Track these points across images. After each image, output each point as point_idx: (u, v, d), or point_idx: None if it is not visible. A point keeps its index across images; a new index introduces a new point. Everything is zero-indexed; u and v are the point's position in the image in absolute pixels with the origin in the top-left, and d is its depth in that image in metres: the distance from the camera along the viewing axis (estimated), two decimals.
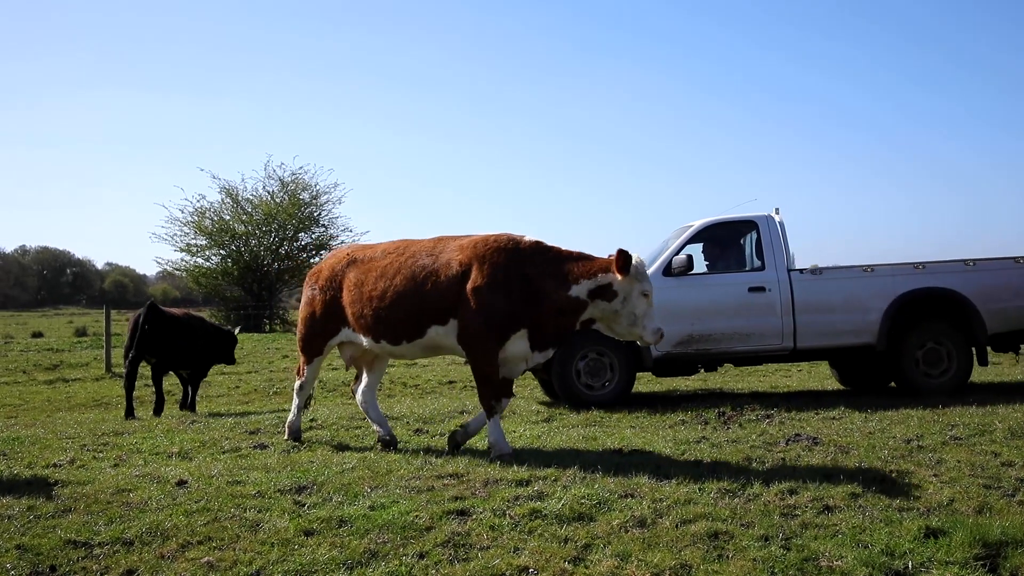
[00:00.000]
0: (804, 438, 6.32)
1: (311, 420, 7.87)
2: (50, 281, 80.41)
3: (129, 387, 9.72)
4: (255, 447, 6.61)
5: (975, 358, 8.94)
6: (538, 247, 6.05)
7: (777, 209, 9.26)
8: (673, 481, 5.11)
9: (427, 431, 7.24)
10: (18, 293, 74.55)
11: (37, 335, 27.07)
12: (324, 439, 6.97)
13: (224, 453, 6.43)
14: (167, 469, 5.71)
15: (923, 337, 8.79)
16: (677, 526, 4.33)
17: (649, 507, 4.59)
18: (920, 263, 8.93)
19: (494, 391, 6.04)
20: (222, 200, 27.20)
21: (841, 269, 9.03)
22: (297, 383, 6.86)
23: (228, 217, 27.05)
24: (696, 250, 9.28)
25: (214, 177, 34.91)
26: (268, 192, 27.54)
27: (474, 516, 4.48)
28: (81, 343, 22.20)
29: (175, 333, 9.78)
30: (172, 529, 4.27)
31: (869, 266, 8.98)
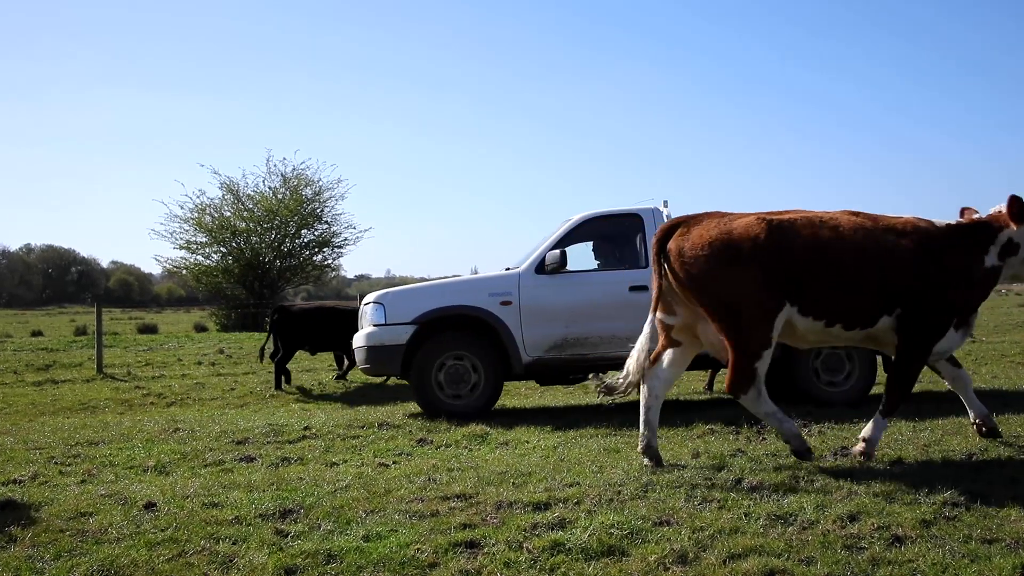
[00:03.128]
0: (853, 451, 5.64)
1: (304, 429, 7.22)
2: (55, 280, 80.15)
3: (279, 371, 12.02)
4: (241, 460, 5.98)
5: (884, 365, 8.19)
6: (954, 228, 5.62)
7: (666, 202, 8.52)
8: (713, 504, 4.45)
9: (431, 441, 6.59)
10: (23, 292, 74.28)
11: (36, 334, 26.52)
12: (318, 450, 6.33)
13: (205, 467, 5.81)
14: (137, 487, 5.07)
15: None
16: (725, 562, 3.67)
17: (689, 538, 3.93)
18: None
19: (909, 390, 5.60)
20: (223, 196, 26.60)
21: None
22: (750, 394, 5.31)
23: (229, 214, 26.43)
24: (587, 247, 8.66)
25: (214, 173, 34.27)
26: (270, 188, 26.92)
27: (485, 549, 3.83)
28: (77, 343, 21.60)
29: (311, 323, 11.92)
30: (128, 566, 3.62)
31: None
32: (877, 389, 8.83)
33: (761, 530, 4.05)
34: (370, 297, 8.29)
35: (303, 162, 34.75)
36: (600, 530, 3.97)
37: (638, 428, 6.91)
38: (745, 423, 6.83)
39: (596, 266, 8.62)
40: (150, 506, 4.53)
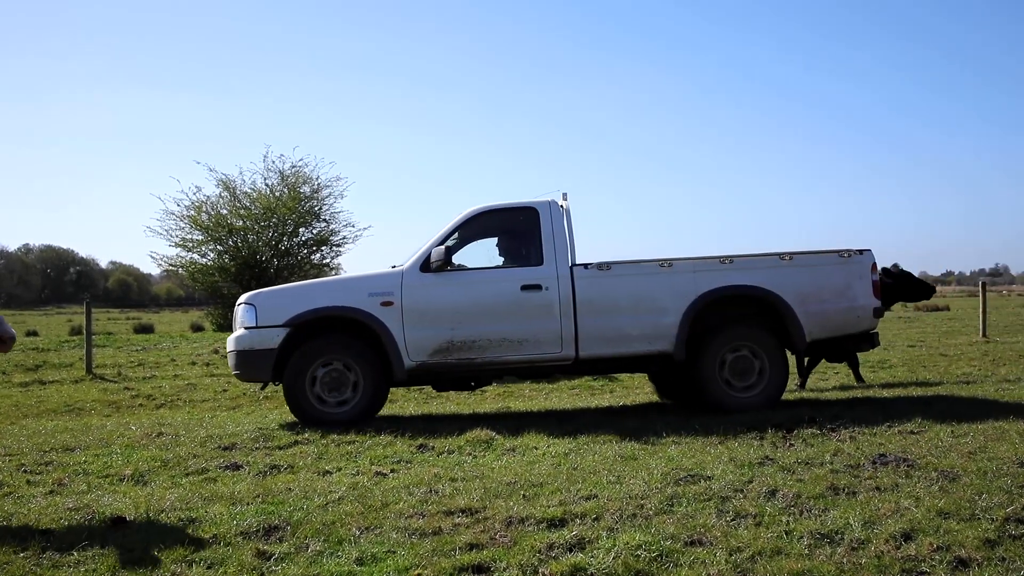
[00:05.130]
0: (892, 459, 5.17)
1: (296, 433, 6.74)
2: (54, 280, 79.87)
3: None
4: (226, 468, 5.51)
5: (798, 368, 8.05)
6: None
7: (565, 195, 7.96)
8: (749, 520, 3.99)
9: (433, 447, 6.11)
10: (22, 292, 73.94)
11: (31, 333, 26.05)
12: (310, 456, 5.86)
13: (187, 476, 5.34)
14: (109, 499, 4.61)
15: (729, 344, 7.52)
16: None
17: (726, 560, 3.47)
18: (727, 257, 7.61)
19: None
20: (219, 194, 26.05)
21: (632, 264, 7.63)
22: None
23: (225, 211, 25.90)
24: (491, 243, 8.14)
25: (211, 170, 33.70)
26: (267, 185, 26.38)
27: (496, 574, 3.36)
28: (70, 342, 21.11)
29: None
30: None
31: (666, 260, 7.58)
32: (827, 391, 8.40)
33: (806, 551, 3.59)
34: (243, 298, 7.68)
35: (301, 159, 34.16)
36: (625, 552, 3.51)
37: (655, 433, 6.48)
38: (769, 428, 6.36)
39: (500, 264, 8.00)
40: (120, 522, 4.07)
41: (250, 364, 7.31)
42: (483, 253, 8.16)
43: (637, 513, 4.10)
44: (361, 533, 3.87)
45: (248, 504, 4.40)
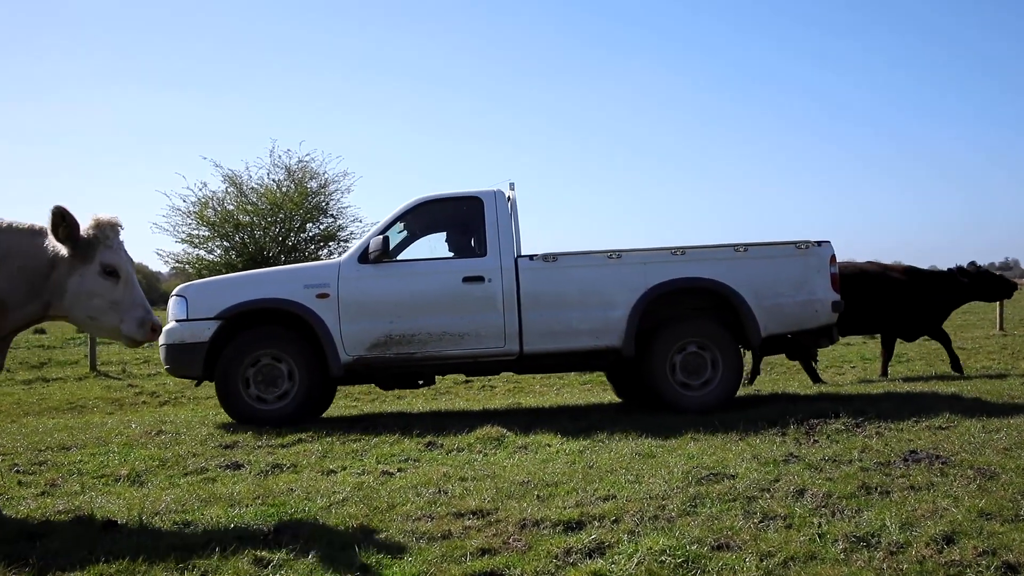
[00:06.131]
0: (925, 456, 4.91)
1: (300, 430, 6.52)
2: None
3: None
4: (226, 467, 5.29)
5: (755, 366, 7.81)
6: None
7: (512, 185, 7.67)
8: (778, 522, 3.75)
9: (441, 445, 5.88)
10: None
11: (39, 331, 25.94)
12: (313, 455, 5.64)
13: (186, 476, 5.12)
14: (103, 501, 4.39)
15: (681, 339, 7.19)
16: None
17: (757, 566, 3.23)
18: (679, 248, 7.30)
19: None
20: (225, 189, 25.83)
21: (580, 255, 7.33)
22: None
23: (232, 207, 25.70)
24: (439, 237, 7.85)
25: (217, 165, 33.45)
26: (274, 181, 26.16)
27: None
28: (76, 339, 21.05)
29: None
30: None
31: (615, 252, 7.27)
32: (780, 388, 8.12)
33: (842, 556, 3.35)
34: (175, 289, 7.39)
35: (308, 154, 33.87)
36: (649, 557, 3.27)
37: (672, 429, 6.23)
38: (792, 423, 6.11)
39: (441, 255, 7.72)
40: (110, 526, 3.85)
41: (180, 359, 7.00)
42: (427, 246, 7.88)
43: (659, 515, 3.87)
44: (366, 537, 3.64)
45: (247, 507, 4.18)
